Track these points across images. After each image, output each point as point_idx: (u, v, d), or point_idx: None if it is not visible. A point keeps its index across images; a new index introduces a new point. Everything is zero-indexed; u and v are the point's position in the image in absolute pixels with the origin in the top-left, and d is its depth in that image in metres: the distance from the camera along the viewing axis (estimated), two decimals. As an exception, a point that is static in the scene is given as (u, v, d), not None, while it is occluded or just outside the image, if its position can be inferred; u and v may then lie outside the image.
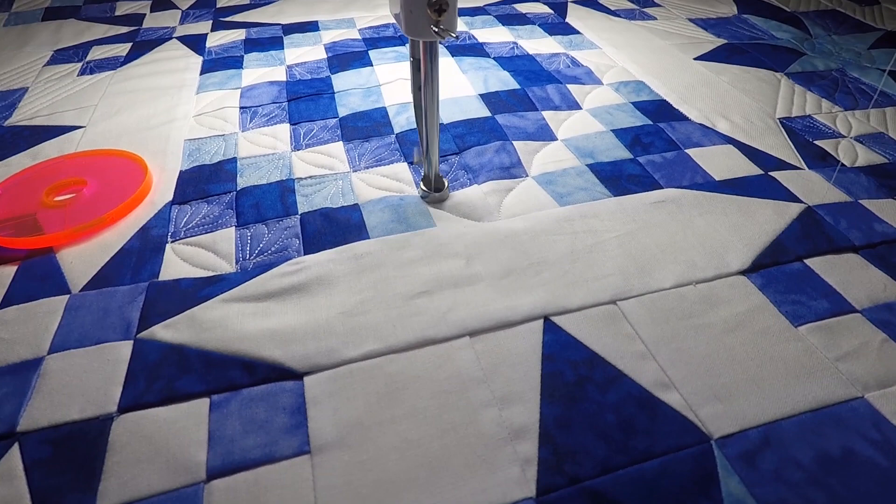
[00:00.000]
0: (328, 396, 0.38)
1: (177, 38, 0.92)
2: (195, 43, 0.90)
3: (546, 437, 0.36)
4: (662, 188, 0.57)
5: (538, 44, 0.88)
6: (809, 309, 0.44)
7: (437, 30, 0.43)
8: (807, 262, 0.49)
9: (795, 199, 0.56)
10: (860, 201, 0.56)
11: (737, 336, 0.42)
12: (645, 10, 1.03)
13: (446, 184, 0.56)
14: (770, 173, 0.60)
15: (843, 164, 0.62)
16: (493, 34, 0.92)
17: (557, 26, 0.95)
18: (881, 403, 0.37)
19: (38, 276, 0.48)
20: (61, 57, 0.87)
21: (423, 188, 0.56)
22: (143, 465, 0.35)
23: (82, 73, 0.83)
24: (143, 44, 0.91)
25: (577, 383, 0.39)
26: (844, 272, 0.48)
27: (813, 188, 0.57)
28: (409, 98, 0.71)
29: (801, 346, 0.41)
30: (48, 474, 0.34)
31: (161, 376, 0.39)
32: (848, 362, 0.40)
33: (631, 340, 0.42)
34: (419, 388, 0.39)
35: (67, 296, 0.46)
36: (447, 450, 0.35)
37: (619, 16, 1.00)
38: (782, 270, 0.48)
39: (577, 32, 0.93)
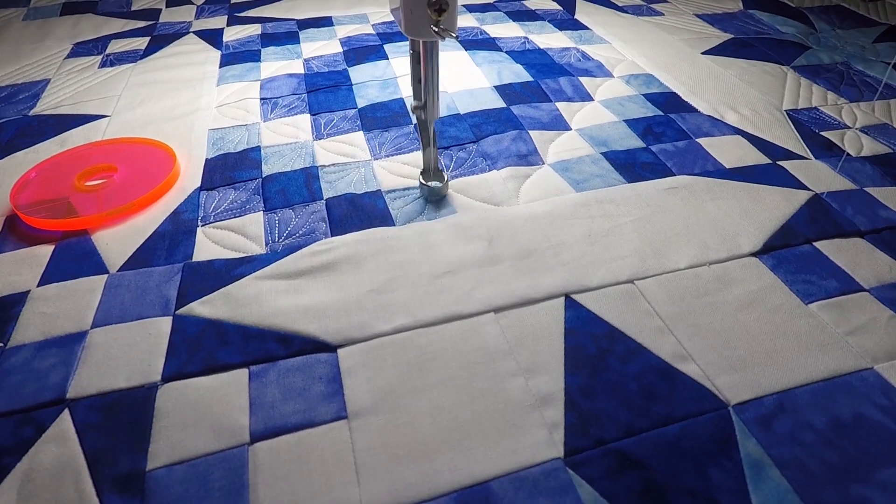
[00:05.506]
0: (362, 367, 0.40)
1: (194, 32, 0.94)
2: (212, 37, 0.92)
3: (571, 403, 0.38)
4: (675, 175, 0.59)
5: (549, 38, 0.90)
6: (819, 288, 0.46)
7: (437, 30, 0.43)
8: (816, 244, 0.51)
9: (803, 187, 0.58)
10: (865, 189, 0.58)
11: (750, 313, 0.44)
12: (652, 5, 1.05)
13: (446, 177, 0.56)
14: (778, 162, 0.61)
15: (848, 154, 0.63)
16: (504, 29, 0.94)
17: (567, 22, 0.97)
18: (890, 374, 0.39)
19: (76, 257, 0.50)
20: (81, 50, 0.89)
21: (422, 180, 0.55)
22: (190, 428, 0.36)
23: (103, 65, 0.84)
24: (160, 38, 0.93)
25: (599, 355, 0.41)
26: (852, 255, 0.50)
27: (820, 176, 0.59)
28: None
29: (812, 321, 0.43)
30: (100, 437, 0.36)
31: (201, 348, 0.41)
32: (857, 336, 0.42)
33: (649, 316, 0.44)
34: (448, 360, 0.41)
35: (106, 275, 0.48)
36: (477, 415, 0.37)
37: (626, 12, 1.02)
38: (792, 252, 0.50)
39: (587, 28, 0.94)
